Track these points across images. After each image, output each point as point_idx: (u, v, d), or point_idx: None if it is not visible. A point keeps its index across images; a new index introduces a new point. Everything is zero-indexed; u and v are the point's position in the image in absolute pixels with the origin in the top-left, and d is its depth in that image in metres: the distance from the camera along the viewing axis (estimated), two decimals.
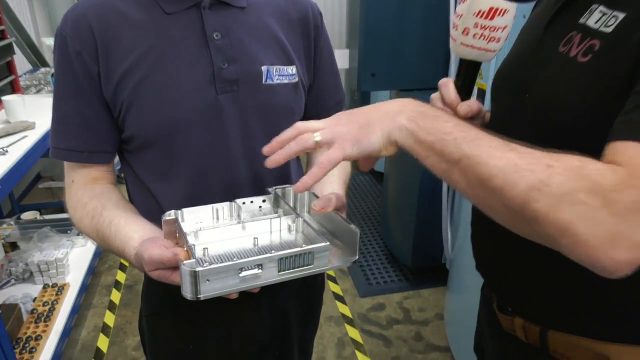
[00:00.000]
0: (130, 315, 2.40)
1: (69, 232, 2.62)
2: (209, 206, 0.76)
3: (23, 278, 2.29)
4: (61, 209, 3.02)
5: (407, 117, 0.60)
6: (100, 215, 0.82)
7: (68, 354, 2.14)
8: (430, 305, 2.48)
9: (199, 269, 0.56)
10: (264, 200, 0.80)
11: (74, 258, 2.48)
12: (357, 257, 0.70)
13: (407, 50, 2.25)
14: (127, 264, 2.80)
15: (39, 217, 2.80)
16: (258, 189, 0.87)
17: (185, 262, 0.58)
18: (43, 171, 3.38)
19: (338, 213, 0.74)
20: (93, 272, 2.57)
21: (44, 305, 2.11)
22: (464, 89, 0.76)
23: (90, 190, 0.86)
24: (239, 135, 0.86)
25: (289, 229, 0.74)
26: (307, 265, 0.64)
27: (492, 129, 0.60)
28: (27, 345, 1.89)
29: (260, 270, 0.61)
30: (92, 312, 2.43)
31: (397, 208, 2.67)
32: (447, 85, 0.76)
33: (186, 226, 0.71)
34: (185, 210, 0.74)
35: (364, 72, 2.27)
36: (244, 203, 0.78)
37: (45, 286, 2.24)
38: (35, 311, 2.07)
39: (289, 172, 0.95)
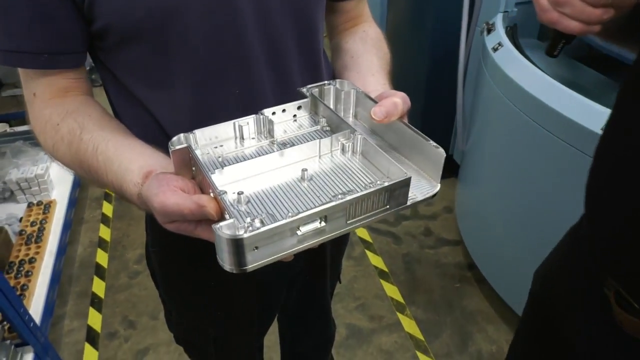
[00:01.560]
0: (126, 228, 2.29)
1: None
2: (229, 123, 0.56)
3: (4, 197, 2.12)
4: None
5: None
6: (80, 140, 0.61)
7: (67, 272, 2.04)
8: (437, 198, 2.38)
9: (244, 235, 0.39)
10: (299, 107, 0.61)
11: (56, 172, 2.29)
12: (439, 186, 0.53)
13: None
14: None
15: (8, 129, 2.54)
16: (285, 93, 0.67)
17: (221, 224, 0.40)
18: (4, 77, 3.02)
19: (407, 124, 0.55)
20: (79, 185, 2.40)
21: (32, 225, 1.96)
22: None
23: (60, 106, 0.64)
24: (254, 17, 0.63)
25: (343, 149, 0.56)
26: (382, 207, 0.47)
27: None
28: (22, 269, 1.77)
29: (324, 224, 0.44)
30: (85, 227, 2.31)
31: None
32: None
33: (203, 154, 0.53)
34: (198, 131, 0.54)
35: None
36: (274, 114, 0.58)
37: (30, 205, 2.08)
38: (24, 232, 1.93)
39: (320, 65, 0.74)
